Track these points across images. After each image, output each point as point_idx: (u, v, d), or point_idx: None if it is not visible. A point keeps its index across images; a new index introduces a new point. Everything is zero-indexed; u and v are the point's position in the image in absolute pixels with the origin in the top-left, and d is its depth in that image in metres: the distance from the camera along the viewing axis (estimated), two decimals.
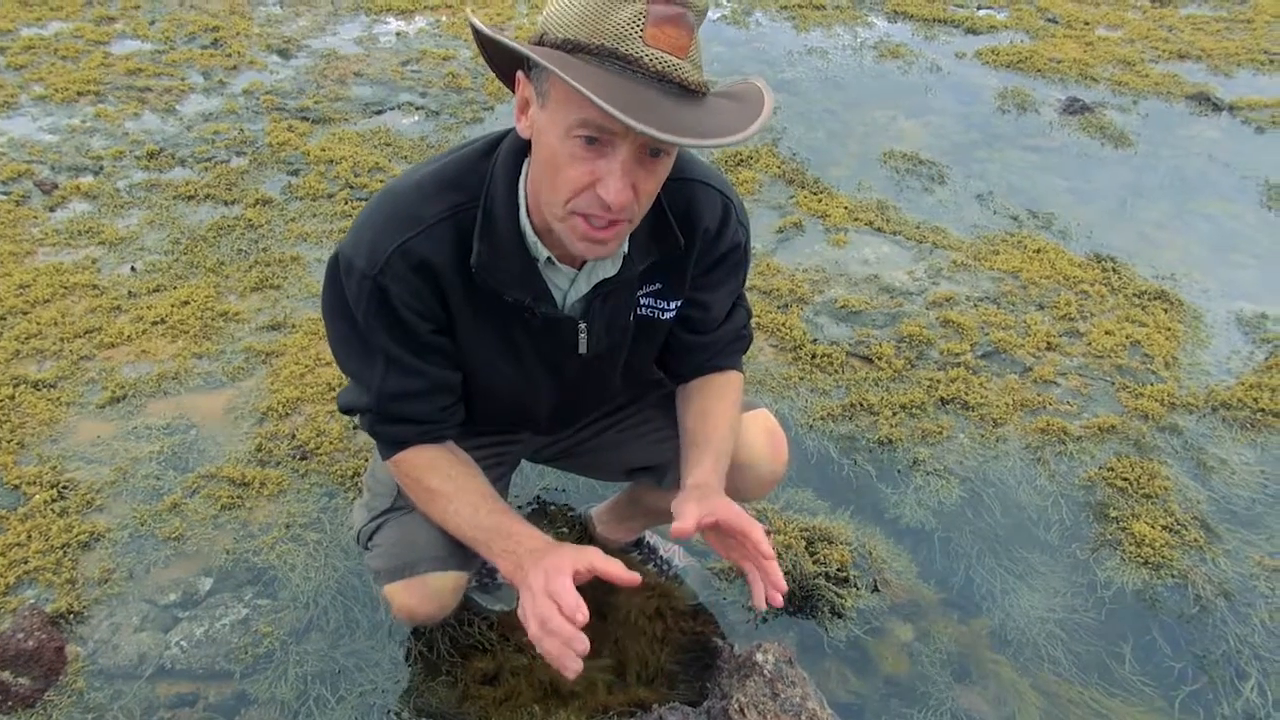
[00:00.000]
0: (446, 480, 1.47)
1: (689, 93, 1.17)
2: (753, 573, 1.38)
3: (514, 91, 1.29)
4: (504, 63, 1.33)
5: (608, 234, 1.25)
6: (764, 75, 4.75)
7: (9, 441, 2.39)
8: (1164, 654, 2.05)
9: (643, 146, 1.19)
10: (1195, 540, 2.30)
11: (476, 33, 1.27)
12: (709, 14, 5.66)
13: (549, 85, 1.20)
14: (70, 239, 3.21)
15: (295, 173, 3.68)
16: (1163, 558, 2.25)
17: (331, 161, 3.73)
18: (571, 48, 1.16)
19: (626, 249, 1.41)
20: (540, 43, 1.20)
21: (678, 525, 1.34)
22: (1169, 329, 3.06)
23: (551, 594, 1.24)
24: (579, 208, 1.23)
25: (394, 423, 1.47)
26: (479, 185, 1.35)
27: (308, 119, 4.09)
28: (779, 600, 1.35)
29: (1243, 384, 2.82)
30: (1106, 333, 3.02)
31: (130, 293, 2.96)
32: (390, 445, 1.50)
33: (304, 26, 5.05)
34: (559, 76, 1.11)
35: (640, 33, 1.13)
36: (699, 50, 1.20)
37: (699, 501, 1.39)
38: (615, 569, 1.28)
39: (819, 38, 5.29)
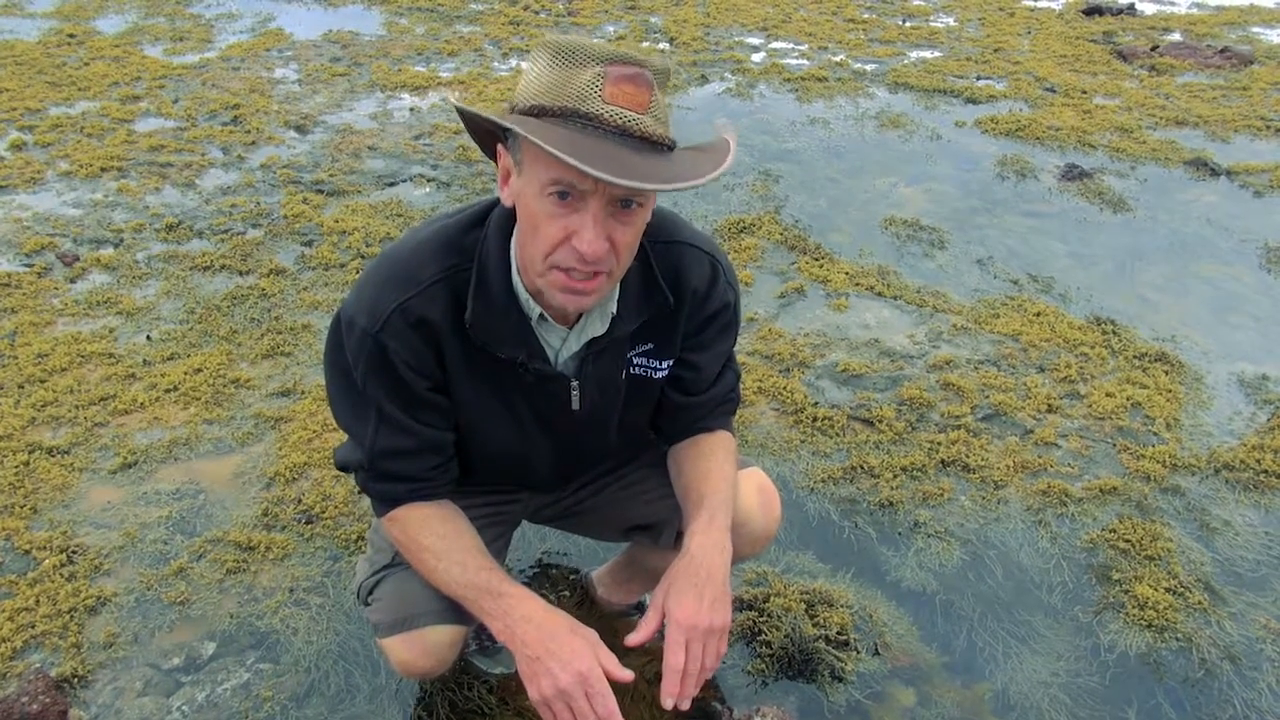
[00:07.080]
0: (437, 538, 1.50)
1: (653, 145, 1.24)
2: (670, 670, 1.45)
3: (497, 164, 1.38)
4: (486, 139, 1.41)
5: (589, 285, 1.31)
6: (768, 145, 4.89)
7: (22, 507, 2.44)
8: (1169, 719, 2.03)
9: (613, 199, 1.25)
10: (1199, 603, 2.29)
11: (460, 112, 1.35)
12: (713, 87, 5.77)
13: (523, 153, 1.28)
14: (89, 309, 3.30)
15: (309, 243, 3.78)
16: (1166, 620, 2.24)
17: (344, 232, 3.84)
18: (538, 112, 1.24)
19: (616, 309, 1.46)
20: (511, 112, 1.29)
21: (630, 638, 1.44)
22: (1170, 391, 3.07)
23: (591, 696, 1.36)
24: (558, 262, 1.30)
25: (385, 480, 1.52)
26: (473, 248, 1.42)
27: (322, 191, 4.21)
28: (669, 705, 1.43)
29: (1245, 445, 2.83)
30: (1107, 395, 3.03)
31: (145, 361, 3.03)
32: (383, 502, 1.54)
33: (321, 103, 5.22)
34: (525, 137, 1.20)
35: (600, 92, 1.22)
36: (661, 107, 1.27)
37: (656, 611, 1.47)
38: (612, 666, 1.39)
39: (821, 108, 5.42)
